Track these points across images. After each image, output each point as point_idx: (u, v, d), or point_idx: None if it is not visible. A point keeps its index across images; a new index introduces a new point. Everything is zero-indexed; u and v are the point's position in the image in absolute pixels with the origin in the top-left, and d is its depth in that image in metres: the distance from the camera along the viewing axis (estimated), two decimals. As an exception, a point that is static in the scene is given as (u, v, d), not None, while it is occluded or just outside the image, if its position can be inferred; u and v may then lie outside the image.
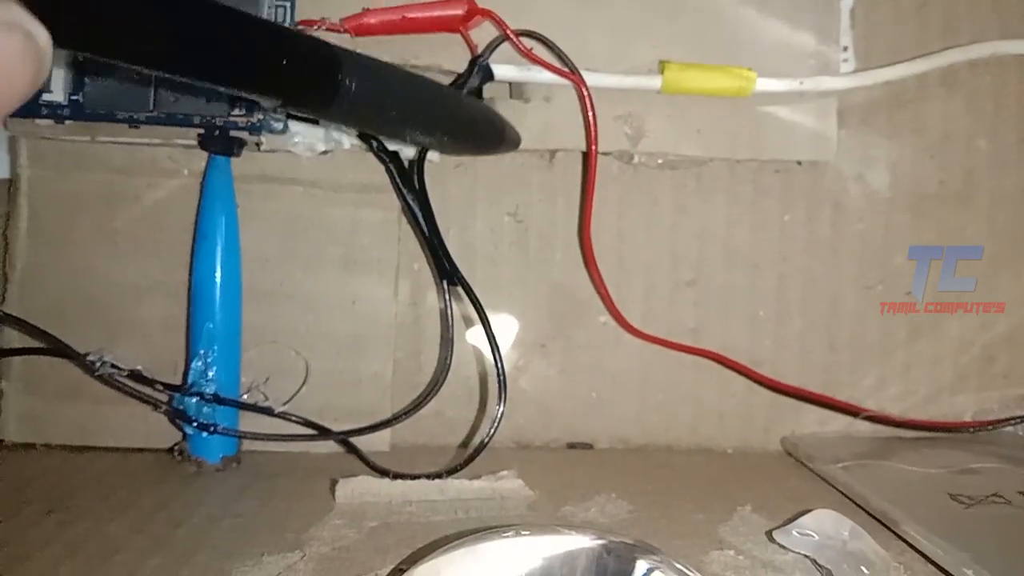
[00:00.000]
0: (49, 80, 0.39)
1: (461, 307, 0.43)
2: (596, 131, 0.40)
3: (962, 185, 0.45)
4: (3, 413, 0.41)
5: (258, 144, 0.41)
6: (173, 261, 0.41)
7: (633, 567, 0.24)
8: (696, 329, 0.45)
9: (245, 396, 0.41)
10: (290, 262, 0.42)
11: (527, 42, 0.40)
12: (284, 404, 0.41)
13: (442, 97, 0.35)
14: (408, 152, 0.41)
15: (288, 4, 0.39)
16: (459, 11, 0.40)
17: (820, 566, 0.30)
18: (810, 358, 0.45)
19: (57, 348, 0.39)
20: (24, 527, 0.33)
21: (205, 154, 0.40)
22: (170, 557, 0.30)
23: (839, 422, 0.45)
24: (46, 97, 0.39)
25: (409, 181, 0.41)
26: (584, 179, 0.43)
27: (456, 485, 0.37)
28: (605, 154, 0.43)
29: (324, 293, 0.42)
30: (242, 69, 0.25)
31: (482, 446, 0.39)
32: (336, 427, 0.41)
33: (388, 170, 0.41)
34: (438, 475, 0.38)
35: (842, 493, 0.38)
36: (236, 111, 0.39)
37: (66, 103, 0.39)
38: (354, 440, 0.41)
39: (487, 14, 0.40)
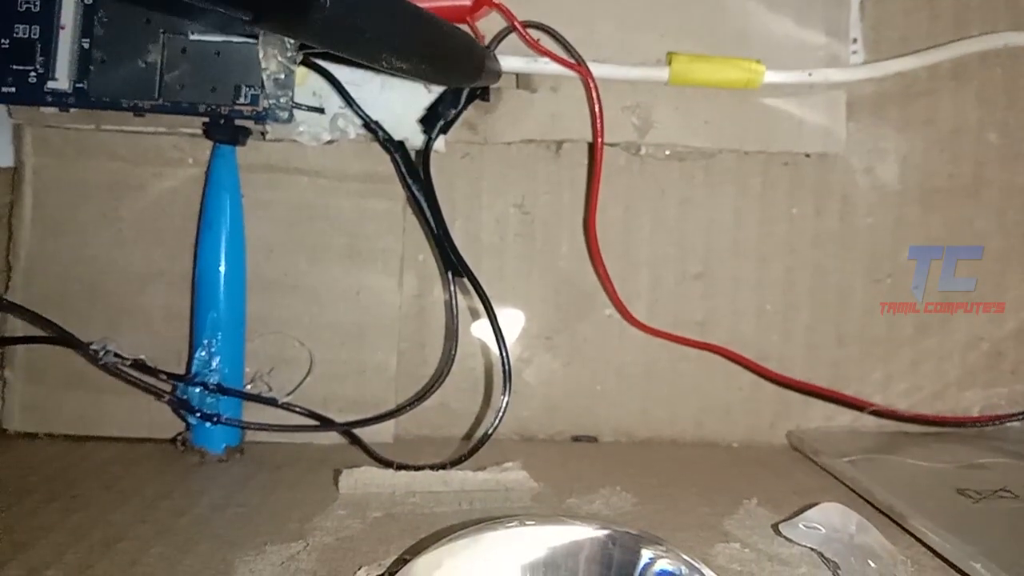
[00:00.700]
0: (54, 68, 0.38)
1: (466, 299, 0.43)
2: (602, 123, 0.40)
3: (972, 179, 0.45)
4: (7, 402, 0.41)
5: (263, 133, 0.41)
6: (177, 250, 0.41)
7: (638, 558, 0.24)
8: (703, 322, 0.44)
9: (249, 386, 0.41)
10: (294, 252, 0.42)
11: (534, 33, 0.40)
12: (288, 394, 0.41)
13: (421, 21, 0.33)
14: (415, 142, 0.41)
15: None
16: (467, 1, 0.39)
17: (827, 559, 0.30)
18: (817, 352, 0.45)
19: (61, 337, 0.39)
20: (27, 515, 0.33)
21: (210, 143, 0.40)
22: (173, 546, 0.30)
23: (846, 417, 0.45)
24: (51, 85, 0.39)
25: (415, 171, 0.41)
26: (590, 170, 0.43)
27: (460, 476, 0.36)
28: (612, 145, 0.43)
29: (328, 283, 0.42)
30: None
31: (486, 437, 0.39)
32: (340, 418, 0.41)
33: (394, 160, 0.41)
34: (442, 466, 0.37)
35: (849, 487, 0.37)
36: (242, 100, 0.39)
37: (71, 91, 0.39)
38: (358, 431, 0.41)
39: (495, 5, 0.40)
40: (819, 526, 0.31)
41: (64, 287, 0.41)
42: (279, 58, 0.38)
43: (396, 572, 0.25)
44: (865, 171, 0.44)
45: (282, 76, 0.39)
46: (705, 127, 0.42)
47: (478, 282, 0.40)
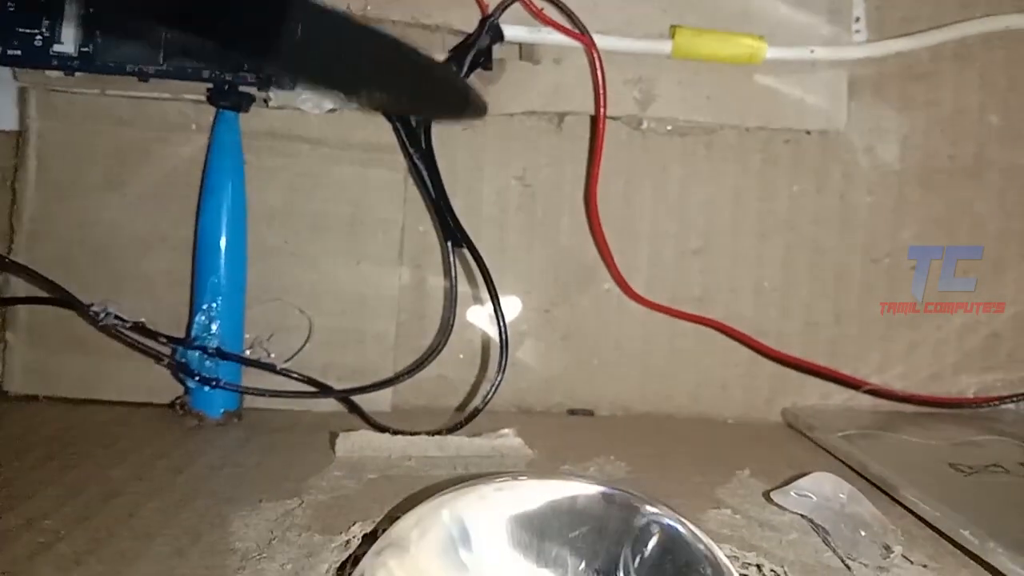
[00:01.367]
0: (60, 32, 0.39)
1: (466, 270, 0.43)
2: (605, 94, 0.40)
3: (972, 160, 0.45)
4: (8, 365, 0.42)
5: (267, 100, 0.41)
6: (180, 215, 0.41)
7: (635, 516, 0.24)
8: (701, 298, 0.45)
9: (248, 352, 0.41)
10: (296, 219, 0.42)
11: (538, 3, 0.40)
12: (287, 361, 0.41)
13: (402, 57, 0.32)
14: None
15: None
16: (471, -29, 0.39)
17: (817, 526, 0.30)
18: (815, 330, 0.45)
19: (62, 298, 0.39)
20: (27, 470, 0.33)
21: (214, 109, 0.40)
22: (170, 501, 0.31)
23: (841, 395, 0.45)
24: (57, 48, 0.39)
25: (417, 142, 0.41)
26: (592, 144, 0.43)
27: (455, 442, 0.37)
28: (614, 119, 0.43)
29: (329, 252, 0.42)
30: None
31: (483, 404, 0.39)
32: (338, 386, 0.41)
33: (396, 130, 0.41)
34: (438, 432, 0.38)
35: (842, 461, 0.38)
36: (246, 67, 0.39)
37: (76, 55, 0.39)
38: (356, 399, 0.41)
39: (499, -26, 0.40)
40: (810, 494, 0.31)
41: (67, 250, 0.41)
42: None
43: (387, 530, 0.25)
44: (866, 150, 0.44)
45: (286, 43, 0.39)
46: (707, 102, 0.43)
47: (478, 253, 0.40)
